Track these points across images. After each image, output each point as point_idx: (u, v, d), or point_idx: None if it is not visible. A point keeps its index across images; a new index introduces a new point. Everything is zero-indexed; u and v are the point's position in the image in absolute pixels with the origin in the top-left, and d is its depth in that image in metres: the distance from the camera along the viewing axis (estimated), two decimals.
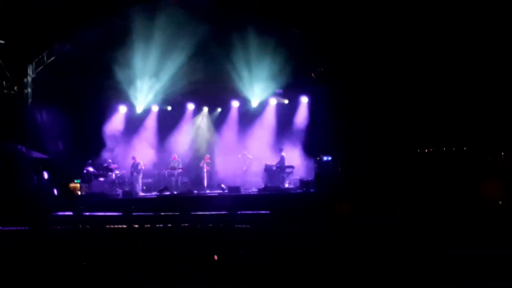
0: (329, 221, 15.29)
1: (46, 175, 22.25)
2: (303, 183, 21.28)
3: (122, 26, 22.87)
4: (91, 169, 23.76)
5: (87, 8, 22.05)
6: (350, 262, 11.84)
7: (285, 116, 24.80)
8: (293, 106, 24.82)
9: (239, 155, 24.08)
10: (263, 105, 24.98)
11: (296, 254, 12.29)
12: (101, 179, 23.76)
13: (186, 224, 16.39)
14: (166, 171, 24.31)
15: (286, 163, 23.19)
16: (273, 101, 24.93)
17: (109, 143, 24.59)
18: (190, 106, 25.98)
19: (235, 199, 20.37)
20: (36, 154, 22.87)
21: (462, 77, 19.91)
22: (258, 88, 24.32)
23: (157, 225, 16.72)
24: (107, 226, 16.89)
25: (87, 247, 13.10)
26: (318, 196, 19.16)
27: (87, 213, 18.85)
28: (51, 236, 15.34)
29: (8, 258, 12.38)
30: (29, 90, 24.15)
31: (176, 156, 24.29)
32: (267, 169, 23.20)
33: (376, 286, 10.92)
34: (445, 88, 20.04)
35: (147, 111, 25.66)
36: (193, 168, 24.85)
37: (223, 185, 22.75)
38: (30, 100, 24.18)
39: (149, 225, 16.79)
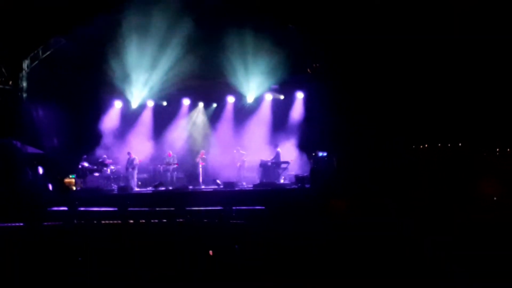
0: (324, 217, 15.34)
1: (41, 170, 22.23)
2: (298, 178, 21.28)
3: (117, 21, 22.77)
4: (86, 164, 23.73)
5: (82, 2, 21.96)
6: (347, 260, 11.87)
7: (280, 112, 24.80)
8: (289, 101, 24.80)
9: (234, 151, 24.08)
10: (259, 100, 24.96)
11: (291, 251, 12.31)
12: (96, 174, 23.72)
13: (181, 220, 16.41)
14: (161, 167, 24.31)
15: (282, 159, 23.19)
16: (268, 97, 24.93)
17: (104, 138, 24.54)
18: (186, 102, 25.96)
19: (230, 195, 20.39)
20: (31, 149, 22.82)
21: (458, 74, 19.94)
22: (254, 84, 24.28)
23: (152, 221, 16.74)
24: (102, 222, 16.91)
25: (82, 242, 13.11)
26: (313, 192, 19.17)
27: (82, 208, 18.85)
28: (46, 231, 15.35)
29: (2, 254, 12.38)
30: (24, 85, 24.03)
31: (171, 153, 24.29)
32: (263, 165, 23.20)
33: (373, 285, 10.94)
34: (440, 84, 20.06)
35: (142, 106, 25.64)
36: (188, 164, 24.84)
37: (218, 181, 22.74)
38: (25, 95, 24.05)
39: (144, 221, 16.81)
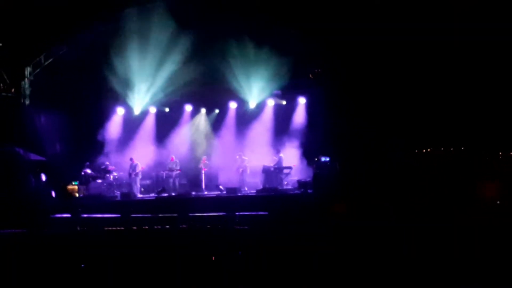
0: (327, 222, 15.30)
1: (44, 177, 22.26)
2: (301, 184, 21.25)
3: (119, 28, 22.86)
4: (89, 171, 23.75)
5: (84, 10, 22.02)
6: (349, 266, 11.84)
7: (283, 117, 24.77)
8: (291, 107, 24.79)
9: (237, 157, 24.07)
10: (261, 106, 24.95)
11: (294, 257, 12.28)
12: (99, 181, 23.74)
13: (184, 226, 16.41)
14: (164, 173, 24.28)
15: (284, 164, 23.16)
16: (271, 102, 24.91)
17: (107, 145, 24.55)
18: (188, 108, 25.94)
19: (233, 200, 20.37)
20: (33, 156, 22.86)
21: (460, 78, 19.91)
22: (256, 89, 24.30)
23: (155, 227, 16.74)
24: (105, 228, 16.92)
25: (85, 249, 13.10)
26: (316, 197, 19.13)
27: (85, 215, 18.87)
28: (49, 238, 15.35)
29: (6, 261, 12.38)
30: (27, 92, 24.14)
31: (173, 157, 24.26)
32: (265, 170, 23.17)
33: None
34: (442, 88, 20.04)
35: (145, 113, 25.64)
36: (191, 170, 24.82)
37: (221, 186, 22.73)
38: (27, 102, 24.16)
39: (147, 227, 16.81)
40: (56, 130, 23.19)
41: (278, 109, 25.08)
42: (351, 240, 13.05)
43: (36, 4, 21.82)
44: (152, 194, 23.14)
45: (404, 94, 20.19)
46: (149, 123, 25.82)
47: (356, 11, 20.54)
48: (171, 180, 24.02)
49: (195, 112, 26.19)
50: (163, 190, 22.68)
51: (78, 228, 17.42)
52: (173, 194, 22.87)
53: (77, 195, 22.81)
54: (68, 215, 19.31)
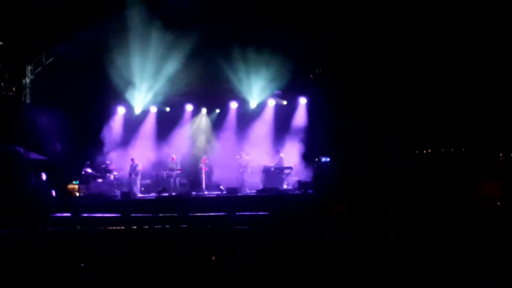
0: (328, 223, 15.31)
1: (44, 176, 22.26)
2: (301, 184, 21.25)
3: (120, 27, 22.87)
4: (89, 170, 23.75)
5: (85, 9, 22.03)
6: (350, 265, 11.85)
7: (283, 117, 24.78)
8: (292, 107, 24.80)
9: (238, 157, 24.07)
10: (262, 106, 24.96)
11: (294, 257, 12.28)
12: (100, 180, 23.74)
13: (185, 225, 16.42)
14: (164, 172, 24.27)
15: (285, 164, 23.17)
16: (271, 102, 24.92)
17: (107, 144, 24.56)
18: (189, 107, 25.94)
19: (233, 200, 20.38)
20: (34, 155, 22.87)
21: (460, 78, 19.93)
22: (257, 89, 24.32)
23: (156, 226, 16.75)
24: (106, 228, 16.92)
25: (85, 249, 13.10)
26: (316, 198, 19.13)
27: (85, 215, 18.87)
28: (49, 237, 15.36)
29: (6, 260, 12.38)
30: (28, 91, 24.15)
31: (174, 157, 24.26)
32: (266, 170, 23.18)
33: None
34: (443, 89, 20.05)
35: (145, 112, 25.65)
36: (191, 169, 24.82)
37: (221, 186, 22.75)
38: (28, 101, 24.18)
39: (147, 226, 16.82)
40: (56, 129, 23.19)
41: (278, 109, 25.09)
42: (352, 240, 13.07)
43: (37, 3, 21.84)
44: (153, 194, 23.14)
45: (404, 94, 20.21)
46: (150, 122, 25.82)
47: (356, 11, 20.56)
48: (171, 179, 24.02)
49: (196, 111, 26.18)
50: (164, 190, 22.68)
51: (78, 228, 17.42)
52: (174, 193, 22.87)
53: (77, 194, 22.85)
54: (68, 215, 19.31)
